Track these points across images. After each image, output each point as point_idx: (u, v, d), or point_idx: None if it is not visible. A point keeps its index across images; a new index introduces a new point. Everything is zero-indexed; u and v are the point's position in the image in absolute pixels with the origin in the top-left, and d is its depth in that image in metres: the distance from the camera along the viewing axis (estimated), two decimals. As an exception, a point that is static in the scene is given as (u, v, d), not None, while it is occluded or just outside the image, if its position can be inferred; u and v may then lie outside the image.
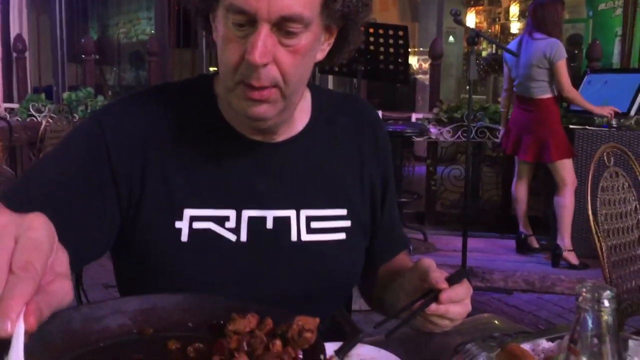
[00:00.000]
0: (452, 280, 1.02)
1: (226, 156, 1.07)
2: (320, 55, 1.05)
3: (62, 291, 0.60)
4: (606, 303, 0.56)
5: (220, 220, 1.05)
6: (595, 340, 0.57)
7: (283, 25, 0.92)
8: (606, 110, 4.32)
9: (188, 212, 1.03)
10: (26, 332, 0.57)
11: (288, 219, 1.09)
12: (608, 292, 0.56)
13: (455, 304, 1.02)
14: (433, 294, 1.00)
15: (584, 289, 0.57)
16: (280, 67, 0.95)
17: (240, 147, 1.08)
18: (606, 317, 0.56)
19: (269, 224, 1.08)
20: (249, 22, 0.92)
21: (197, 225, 1.03)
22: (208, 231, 1.04)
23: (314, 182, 1.13)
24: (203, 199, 1.04)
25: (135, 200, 1.03)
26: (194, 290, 0.98)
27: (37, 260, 0.58)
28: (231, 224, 1.05)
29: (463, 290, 1.02)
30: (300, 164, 1.12)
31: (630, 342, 0.74)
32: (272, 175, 1.09)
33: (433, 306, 1.00)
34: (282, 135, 1.10)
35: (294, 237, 1.09)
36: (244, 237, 1.06)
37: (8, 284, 0.56)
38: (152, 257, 1.04)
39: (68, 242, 0.67)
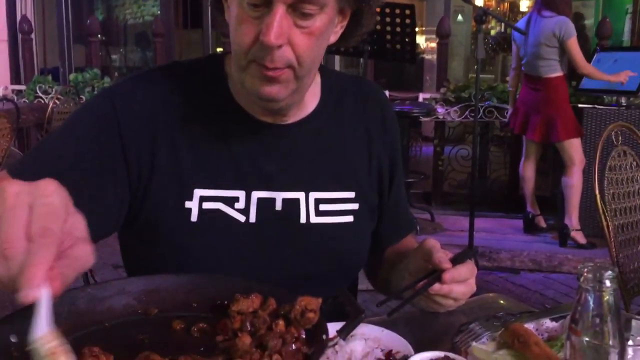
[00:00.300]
0: (456, 261, 1.02)
1: (235, 137, 1.07)
2: (333, 38, 1.04)
3: (84, 254, 0.62)
4: (607, 283, 0.56)
5: (230, 201, 1.05)
6: (597, 320, 0.57)
7: (299, 7, 0.91)
8: (621, 77, 4.28)
9: (198, 192, 1.03)
10: (52, 296, 0.59)
11: (297, 201, 1.09)
12: (609, 272, 0.56)
13: (459, 284, 1.02)
14: (436, 274, 1.01)
15: (586, 270, 0.57)
16: (295, 48, 0.94)
17: (250, 128, 1.07)
18: (607, 297, 0.56)
19: (278, 206, 1.08)
20: (265, 2, 0.91)
21: (206, 205, 1.04)
22: (217, 211, 1.04)
23: (323, 164, 1.13)
24: (213, 180, 1.04)
25: (145, 179, 1.03)
26: (202, 270, 0.99)
27: (54, 224, 0.59)
28: (240, 204, 1.05)
29: (467, 271, 1.02)
30: (309, 146, 1.12)
31: (634, 322, 0.74)
32: (282, 157, 1.09)
33: (436, 286, 1.00)
34: (292, 117, 1.10)
35: (302, 219, 1.09)
36: (253, 218, 1.06)
37: (29, 252, 0.57)
38: (161, 236, 1.04)
39: None
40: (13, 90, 5.80)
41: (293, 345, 0.71)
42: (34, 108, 5.37)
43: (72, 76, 5.68)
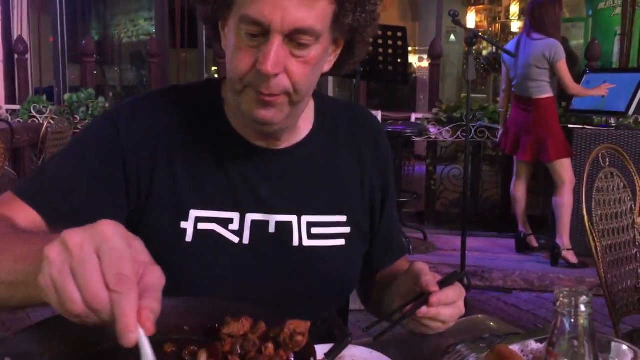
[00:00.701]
0: (444, 283, 1.04)
1: (230, 160, 1.10)
2: (327, 67, 1.08)
3: (157, 278, 0.66)
4: (582, 308, 0.59)
5: (224, 222, 1.07)
6: (573, 343, 0.59)
7: (295, 37, 0.95)
8: (602, 90, 4.41)
9: (194, 213, 1.06)
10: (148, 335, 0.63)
11: (290, 224, 1.12)
12: (584, 297, 0.59)
13: (446, 307, 1.03)
14: (424, 297, 1.02)
15: (562, 295, 0.59)
16: (291, 77, 0.97)
17: (244, 152, 1.10)
18: (582, 321, 0.59)
19: (272, 228, 1.10)
20: (262, 33, 0.94)
21: (201, 226, 1.06)
22: (212, 232, 1.07)
23: (315, 188, 1.15)
24: (208, 201, 1.07)
25: (143, 200, 1.05)
26: (196, 289, 1.01)
27: (126, 268, 0.63)
28: (235, 226, 1.08)
29: (454, 293, 1.04)
30: (301, 170, 1.15)
31: (613, 344, 0.76)
32: (274, 180, 1.12)
33: (423, 309, 1.01)
34: (285, 142, 1.13)
35: (295, 242, 1.12)
36: (246, 239, 1.08)
37: (113, 302, 0.61)
38: (156, 256, 1.05)
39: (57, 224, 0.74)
40: (7, 110, 5.81)
41: (282, 368, 0.72)
42: (29, 128, 5.37)
43: (66, 96, 5.69)
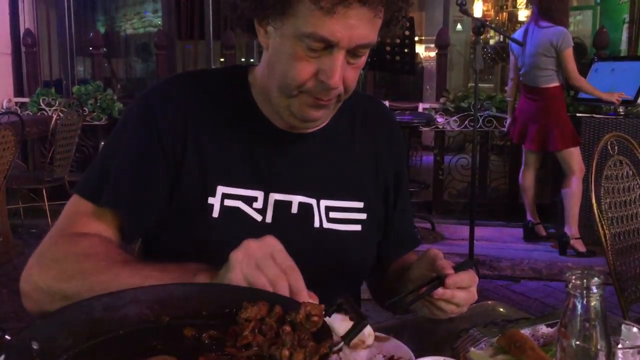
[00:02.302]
0: (457, 269, 1.06)
1: (256, 141, 1.15)
2: None
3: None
4: (594, 289, 0.60)
5: (249, 200, 1.12)
6: (585, 324, 0.61)
7: (355, 51, 1.01)
8: (614, 97, 4.33)
9: (221, 189, 1.11)
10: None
11: (311, 206, 1.16)
12: (596, 279, 0.60)
13: (461, 290, 1.06)
14: (439, 280, 1.04)
15: (574, 277, 0.61)
16: (345, 82, 1.04)
17: (270, 134, 1.15)
18: (594, 303, 0.60)
19: (294, 209, 1.15)
20: (325, 47, 0.99)
21: (227, 202, 1.11)
22: (237, 209, 1.11)
23: (333, 174, 1.20)
24: (234, 179, 1.12)
25: (174, 174, 1.11)
26: (219, 265, 1.03)
27: (291, 261, 0.89)
28: (258, 204, 1.13)
29: (468, 277, 1.07)
30: (322, 155, 1.19)
31: (623, 327, 0.78)
32: (296, 163, 1.16)
33: (440, 290, 1.04)
34: (308, 129, 1.17)
35: (316, 224, 1.16)
36: (269, 218, 1.13)
37: (290, 282, 0.87)
38: (184, 230, 1.12)
39: (139, 218, 1.05)
40: (17, 103, 5.85)
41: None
42: (38, 120, 5.40)
43: (75, 88, 5.72)
